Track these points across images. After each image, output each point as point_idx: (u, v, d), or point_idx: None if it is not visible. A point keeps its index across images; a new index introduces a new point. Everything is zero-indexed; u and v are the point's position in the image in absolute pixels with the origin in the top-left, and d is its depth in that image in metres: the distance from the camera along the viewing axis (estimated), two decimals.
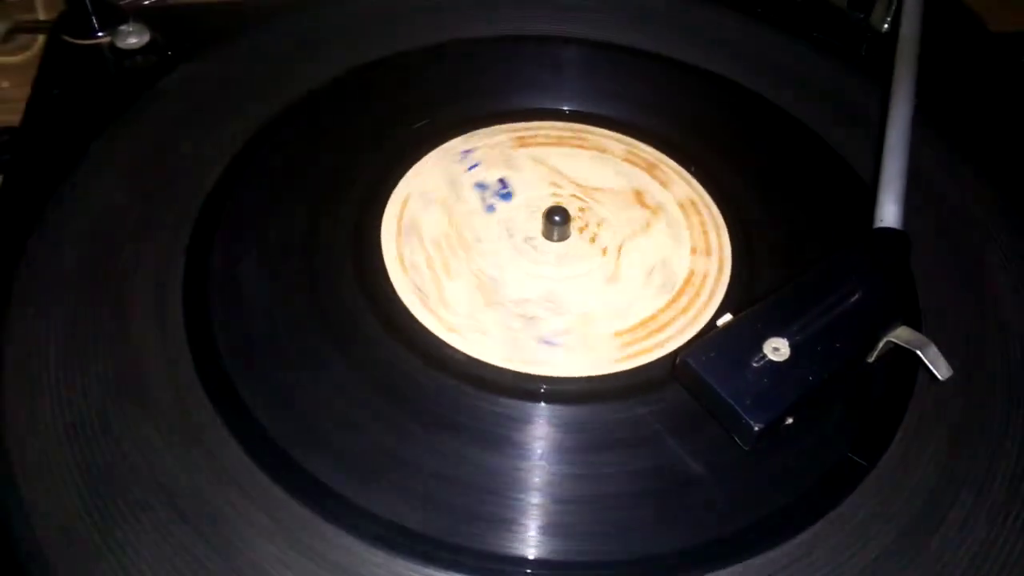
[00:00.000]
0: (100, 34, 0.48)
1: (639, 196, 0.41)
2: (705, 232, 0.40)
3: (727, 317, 0.33)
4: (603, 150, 0.43)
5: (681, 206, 0.40)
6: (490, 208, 0.39)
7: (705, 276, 0.38)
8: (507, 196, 0.40)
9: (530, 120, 0.44)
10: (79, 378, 0.32)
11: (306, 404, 0.32)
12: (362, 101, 0.45)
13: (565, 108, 0.45)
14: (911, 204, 0.37)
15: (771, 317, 0.32)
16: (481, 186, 0.41)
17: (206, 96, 0.44)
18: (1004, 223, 0.41)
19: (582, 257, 0.39)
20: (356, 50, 0.47)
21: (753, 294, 0.37)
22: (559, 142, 0.43)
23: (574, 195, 0.41)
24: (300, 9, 0.49)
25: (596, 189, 0.41)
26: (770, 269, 0.39)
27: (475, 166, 0.41)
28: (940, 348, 0.32)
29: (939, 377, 0.31)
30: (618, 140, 0.44)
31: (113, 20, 0.48)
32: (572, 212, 0.39)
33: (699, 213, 0.40)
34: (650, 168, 0.43)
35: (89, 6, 0.48)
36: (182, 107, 0.43)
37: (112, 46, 0.47)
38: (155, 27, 0.48)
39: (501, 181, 0.40)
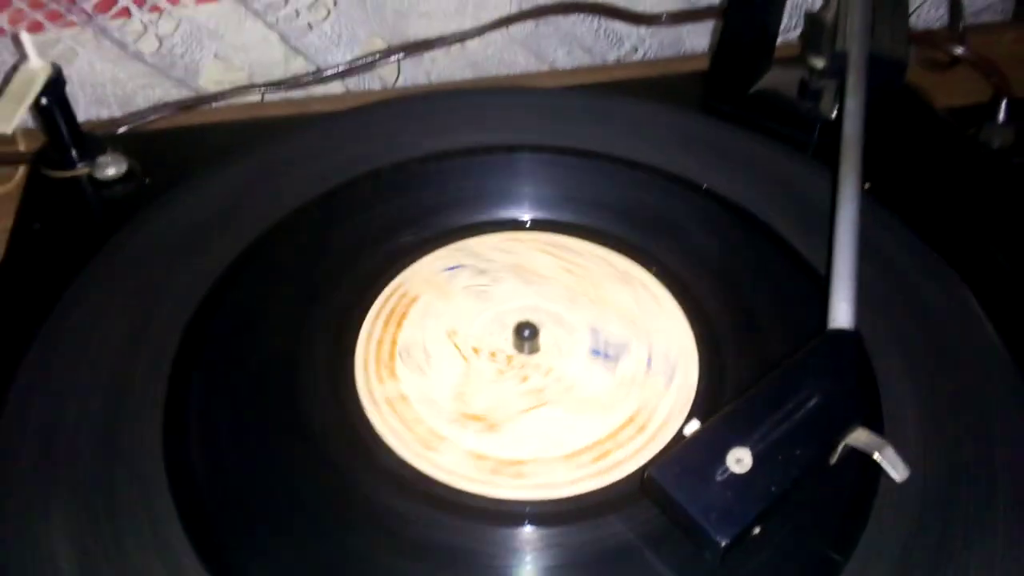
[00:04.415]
0: (79, 166, 0.50)
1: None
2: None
3: (695, 424, 0.34)
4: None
5: None
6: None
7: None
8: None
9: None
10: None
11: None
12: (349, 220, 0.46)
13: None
14: (870, 291, 0.37)
15: (733, 427, 0.33)
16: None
17: (184, 229, 0.44)
18: (960, 309, 0.41)
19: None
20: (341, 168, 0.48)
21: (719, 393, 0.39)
22: None
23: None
24: (275, 132, 0.51)
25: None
26: (735, 367, 0.40)
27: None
28: (902, 446, 0.33)
29: (896, 479, 0.32)
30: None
31: (91, 150, 0.50)
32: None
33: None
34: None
35: (67, 138, 0.50)
36: (159, 240, 0.44)
37: (91, 177, 0.49)
38: (132, 154, 0.50)
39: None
